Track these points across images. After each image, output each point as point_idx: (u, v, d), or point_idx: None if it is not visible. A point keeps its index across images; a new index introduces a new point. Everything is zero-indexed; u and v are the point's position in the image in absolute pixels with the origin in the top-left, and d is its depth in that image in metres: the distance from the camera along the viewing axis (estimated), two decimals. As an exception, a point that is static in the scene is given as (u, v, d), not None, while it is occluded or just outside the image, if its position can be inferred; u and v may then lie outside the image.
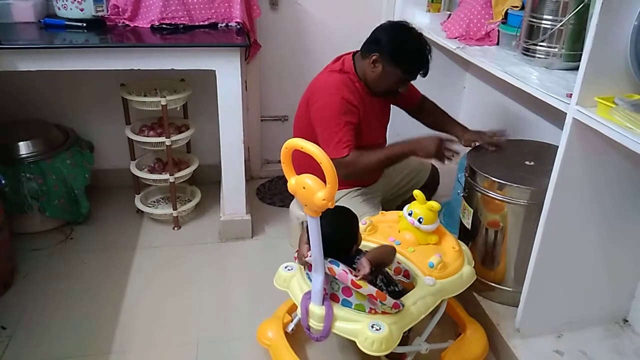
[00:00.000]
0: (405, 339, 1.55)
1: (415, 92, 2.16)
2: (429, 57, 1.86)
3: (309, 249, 1.41)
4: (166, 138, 2.30)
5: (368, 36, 1.91)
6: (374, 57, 1.83)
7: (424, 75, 1.88)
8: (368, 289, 1.34)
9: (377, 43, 1.84)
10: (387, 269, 1.59)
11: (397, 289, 1.52)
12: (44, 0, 2.27)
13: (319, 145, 1.76)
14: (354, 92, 1.86)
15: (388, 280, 1.52)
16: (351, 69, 1.89)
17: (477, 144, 1.96)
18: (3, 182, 2.16)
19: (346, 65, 1.91)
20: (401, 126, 2.25)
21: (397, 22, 1.92)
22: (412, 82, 1.96)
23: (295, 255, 1.54)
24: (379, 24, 1.92)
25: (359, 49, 1.92)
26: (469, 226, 1.87)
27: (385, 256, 1.49)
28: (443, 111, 2.19)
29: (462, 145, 1.99)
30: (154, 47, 2.07)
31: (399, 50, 1.81)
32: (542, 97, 1.50)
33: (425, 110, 2.18)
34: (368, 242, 1.66)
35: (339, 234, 1.44)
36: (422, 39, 1.86)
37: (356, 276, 1.36)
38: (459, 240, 1.72)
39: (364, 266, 1.38)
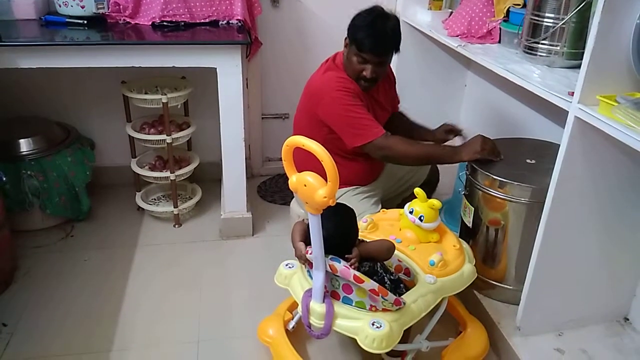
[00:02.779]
0: (406, 337, 1.55)
1: (394, 103, 2.15)
2: (387, 33, 1.79)
3: (307, 246, 1.42)
4: (167, 136, 2.30)
5: None
6: (345, 41, 1.85)
7: (379, 52, 1.80)
8: (370, 284, 1.34)
9: (348, 27, 1.85)
10: (387, 266, 1.59)
11: (392, 277, 1.52)
12: (44, -3, 2.27)
13: (346, 139, 1.80)
14: (351, 83, 1.86)
15: (385, 268, 1.53)
16: (341, 63, 1.90)
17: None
18: (4, 179, 2.16)
19: (337, 59, 1.91)
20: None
21: (370, 6, 1.87)
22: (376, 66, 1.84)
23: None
24: None
25: None
26: (470, 224, 1.87)
27: (380, 250, 1.48)
28: (410, 120, 2.18)
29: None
30: (154, 44, 2.06)
31: (352, 25, 1.82)
32: (543, 95, 1.50)
33: (393, 122, 2.12)
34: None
35: (339, 231, 1.44)
36: (383, 17, 1.80)
37: (347, 260, 1.39)
38: (459, 239, 1.72)
39: (353, 253, 1.41)
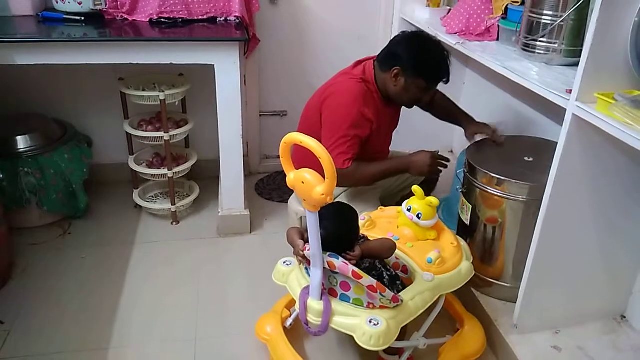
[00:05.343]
0: (403, 334, 1.55)
1: None
2: (449, 62, 1.86)
3: (305, 243, 1.42)
4: (164, 133, 2.29)
5: (385, 49, 1.90)
6: (395, 72, 1.83)
7: (447, 81, 1.88)
8: (368, 280, 1.34)
9: (396, 57, 1.83)
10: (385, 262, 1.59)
11: (390, 274, 1.52)
12: (42, -7, 2.26)
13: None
14: (372, 104, 1.87)
15: (384, 264, 1.53)
16: (372, 79, 1.89)
17: (478, 137, 2.01)
18: (1, 176, 2.16)
19: (367, 74, 1.90)
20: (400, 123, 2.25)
21: (412, 32, 1.92)
22: None
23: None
24: (394, 36, 1.94)
25: (377, 58, 1.92)
26: (467, 222, 1.87)
27: (382, 249, 1.49)
28: (452, 102, 2.22)
29: (466, 137, 2.07)
30: (152, 41, 2.06)
31: (420, 61, 1.82)
32: (541, 92, 1.49)
33: (436, 103, 2.19)
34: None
35: (341, 231, 1.44)
36: (440, 46, 1.87)
37: (348, 259, 1.39)
38: (457, 236, 1.73)
39: (356, 252, 1.41)
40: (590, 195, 1.52)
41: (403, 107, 2.13)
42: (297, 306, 1.48)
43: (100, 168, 2.66)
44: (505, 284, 1.83)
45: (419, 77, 1.83)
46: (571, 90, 1.37)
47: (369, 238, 1.56)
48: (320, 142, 1.25)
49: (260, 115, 2.84)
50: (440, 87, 2.04)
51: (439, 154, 1.92)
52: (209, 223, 2.45)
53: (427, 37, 1.89)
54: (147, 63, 2.04)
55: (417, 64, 1.81)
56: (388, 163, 1.96)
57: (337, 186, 1.91)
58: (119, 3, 2.20)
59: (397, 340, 1.41)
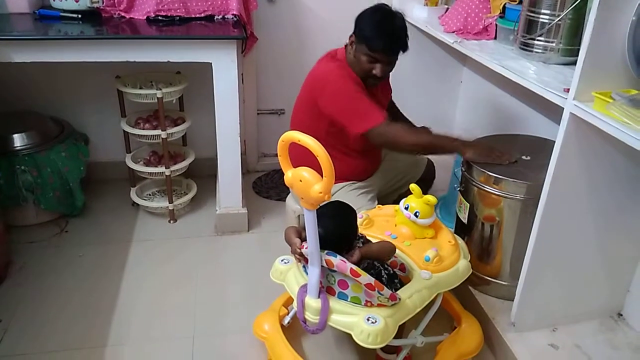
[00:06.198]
0: (401, 332, 1.55)
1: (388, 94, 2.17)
2: (398, 33, 1.80)
3: (302, 241, 1.42)
4: (162, 131, 2.29)
5: None
6: (351, 39, 1.85)
7: (391, 52, 1.81)
8: (366, 278, 1.34)
9: (355, 27, 1.85)
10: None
11: (388, 272, 1.52)
12: (38, -10, 2.26)
13: (349, 127, 1.80)
14: (352, 75, 1.87)
15: (381, 263, 1.53)
16: (343, 58, 1.90)
17: None
18: (-3, 174, 2.15)
19: (339, 54, 1.92)
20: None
21: (375, 4, 1.89)
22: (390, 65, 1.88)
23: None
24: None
25: None
26: (465, 220, 1.87)
27: (381, 252, 1.49)
28: (399, 112, 2.22)
29: None
30: (149, 39, 2.05)
31: (363, 25, 1.81)
32: (539, 91, 1.50)
33: (390, 114, 2.14)
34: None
35: (339, 230, 1.44)
36: (396, 17, 1.83)
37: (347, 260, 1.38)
38: (455, 234, 1.73)
39: (354, 257, 1.40)
40: (588, 194, 1.52)
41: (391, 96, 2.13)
42: (294, 304, 1.48)
43: (98, 166, 2.65)
44: (503, 282, 1.83)
45: (362, 42, 1.81)
46: (569, 89, 1.37)
47: (367, 237, 1.56)
48: (316, 137, 1.24)
49: (258, 114, 2.83)
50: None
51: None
52: (207, 221, 2.45)
53: (382, 6, 1.85)
54: (144, 61, 2.04)
55: (361, 28, 1.81)
56: (438, 137, 1.84)
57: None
58: (116, 1, 2.19)
59: (394, 338, 1.41)
